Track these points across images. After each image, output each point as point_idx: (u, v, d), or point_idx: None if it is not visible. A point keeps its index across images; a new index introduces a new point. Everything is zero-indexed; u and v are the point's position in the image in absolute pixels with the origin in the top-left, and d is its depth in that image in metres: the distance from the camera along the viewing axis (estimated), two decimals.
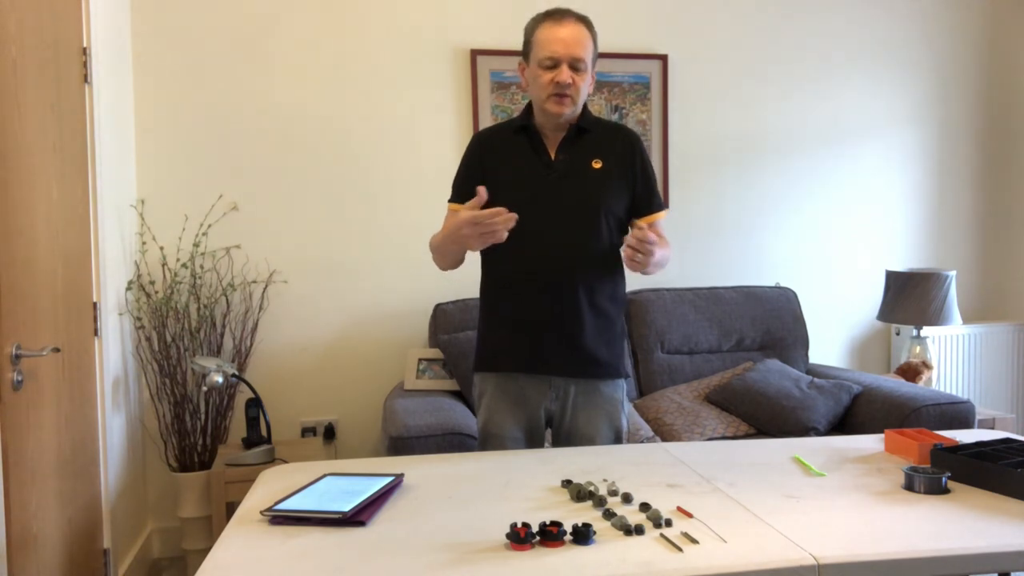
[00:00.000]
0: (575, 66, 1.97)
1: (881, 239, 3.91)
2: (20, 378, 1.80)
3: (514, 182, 2.04)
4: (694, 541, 1.36)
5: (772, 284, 3.70)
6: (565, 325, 2.02)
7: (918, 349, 3.53)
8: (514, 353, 2.05)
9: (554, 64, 1.97)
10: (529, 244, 1.99)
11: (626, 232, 2.13)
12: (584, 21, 2.00)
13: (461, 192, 2.11)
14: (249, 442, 2.85)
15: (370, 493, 1.57)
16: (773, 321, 3.45)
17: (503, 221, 1.78)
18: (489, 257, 2.08)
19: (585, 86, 2.01)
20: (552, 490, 1.65)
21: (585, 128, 2.06)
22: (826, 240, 3.84)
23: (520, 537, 1.34)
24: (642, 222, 2.09)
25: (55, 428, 2.09)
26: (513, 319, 2.04)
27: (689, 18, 3.63)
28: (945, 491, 1.62)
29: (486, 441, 2.11)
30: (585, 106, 2.08)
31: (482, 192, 1.82)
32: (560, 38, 1.96)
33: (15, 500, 1.80)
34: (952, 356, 3.86)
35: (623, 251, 1.88)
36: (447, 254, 2.05)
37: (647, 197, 2.10)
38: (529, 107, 2.09)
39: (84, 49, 2.47)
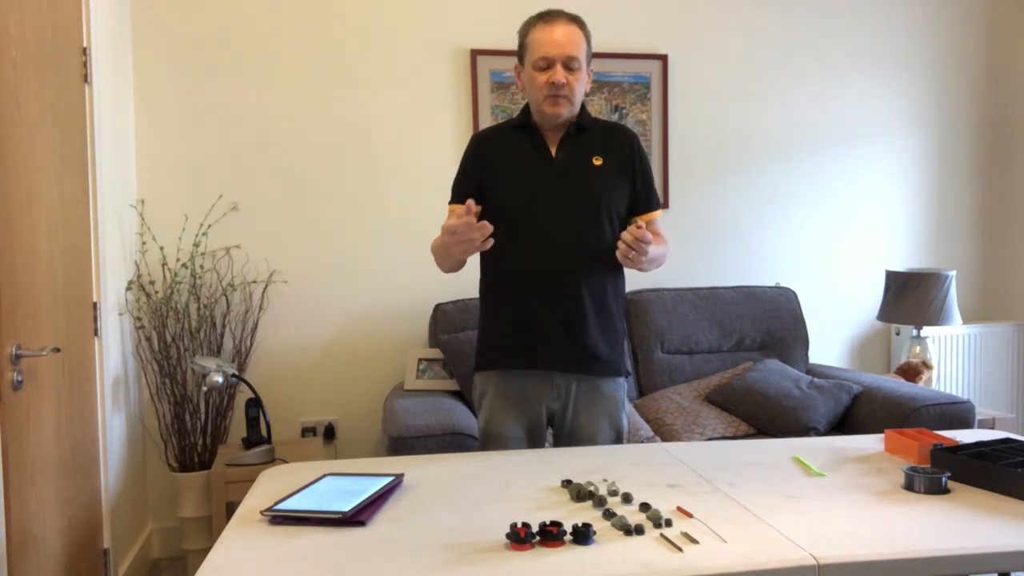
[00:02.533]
0: (569, 65, 1.98)
1: (881, 239, 3.91)
2: (20, 378, 1.80)
3: (516, 179, 2.04)
4: (694, 541, 1.36)
5: (772, 284, 3.70)
6: (568, 322, 2.02)
7: (918, 349, 3.53)
8: (516, 351, 2.05)
9: (548, 65, 1.98)
10: (532, 241, 1.99)
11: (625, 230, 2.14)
12: (576, 21, 2.02)
13: (461, 193, 2.11)
14: (249, 442, 2.85)
15: (370, 493, 1.57)
16: (773, 321, 3.45)
17: (478, 233, 1.79)
18: (490, 255, 2.07)
19: (580, 85, 2.02)
20: (552, 490, 1.65)
21: (584, 126, 2.07)
22: (826, 240, 3.84)
23: (520, 537, 1.34)
24: (640, 220, 2.11)
25: (55, 428, 2.09)
26: (515, 317, 2.04)
27: (689, 18, 3.63)
28: (945, 491, 1.62)
29: (487, 441, 2.10)
30: (583, 105, 2.09)
31: (470, 204, 1.81)
32: (553, 39, 1.97)
33: (15, 500, 1.80)
34: (952, 356, 3.86)
35: (618, 247, 1.88)
36: (445, 259, 2.05)
37: (645, 195, 2.12)
38: (527, 107, 2.10)
39: (84, 49, 2.47)
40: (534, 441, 2.11)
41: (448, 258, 2.01)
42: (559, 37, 1.97)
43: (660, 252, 2.05)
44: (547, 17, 2.00)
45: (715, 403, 3.13)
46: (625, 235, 1.84)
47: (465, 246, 1.83)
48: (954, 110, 3.96)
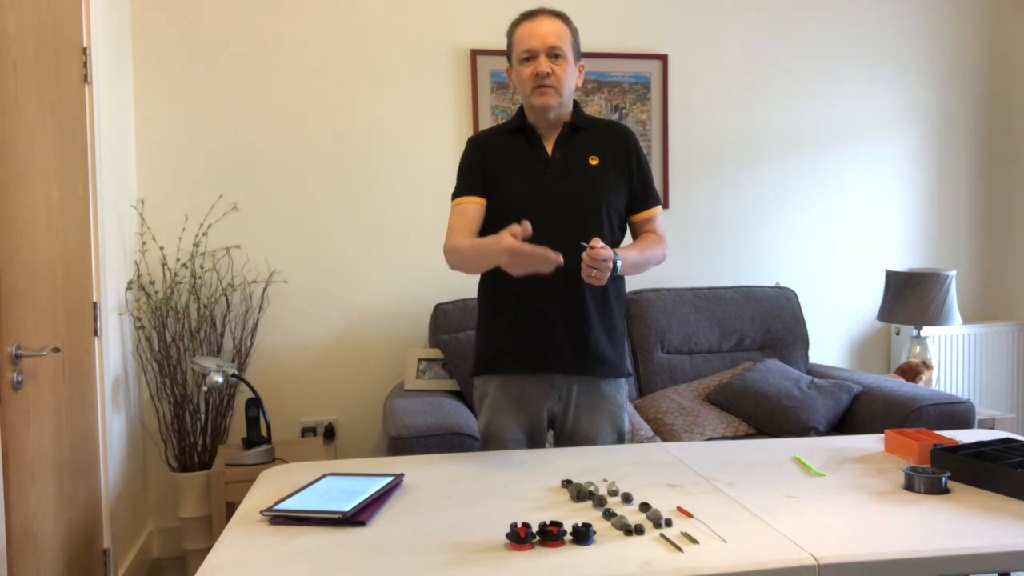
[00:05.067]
0: (553, 54, 1.98)
1: (881, 239, 3.91)
2: (20, 378, 1.80)
3: (514, 181, 2.04)
4: (694, 541, 1.36)
5: (772, 284, 3.70)
6: (572, 323, 2.02)
7: (918, 349, 3.53)
8: (519, 354, 2.04)
9: (532, 56, 1.99)
10: (533, 242, 1.98)
11: (626, 228, 2.14)
12: (559, 15, 2.04)
13: (471, 184, 2.06)
14: (249, 442, 2.85)
15: (370, 493, 1.57)
16: (773, 321, 3.45)
17: (546, 262, 1.71)
18: None
19: (568, 77, 2.02)
20: (552, 490, 1.65)
21: (579, 126, 2.07)
22: (826, 240, 3.84)
23: (520, 537, 1.34)
24: (639, 217, 2.11)
25: (55, 428, 2.09)
26: (517, 319, 2.03)
27: (689, 18, 3.63)
28: (945, 491, 1.62)
29: (488, 443, 2.10)
30: (577, 105, 2.10)
31: (527, 226, 1.75)
32: (535, 32, 1.99)
33: (15, 500, 1.80)
34: (952, 356, 3.86)
35: (582, 269, 1.84)
36: (477, 266, 1.98)
37: (643, 192, 2.11)
38: (522, 110, 2.10)
39: (84, 49, 2.47)
40: (534, 443, 2.10)
41: (483, 267, 1.96)
42: (541, 30, 1.99)
43: (650, 255, 2.05)
44: (529, 14, 2.03)
45: (715, 403, 3.13)
46: (584, 256, 1.81)
47: (526, 268, 1.75)
48: (954, 110, 3.96)
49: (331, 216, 3.33)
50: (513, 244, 1.72)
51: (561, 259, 1.72)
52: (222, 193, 3.24)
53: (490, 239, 1.81)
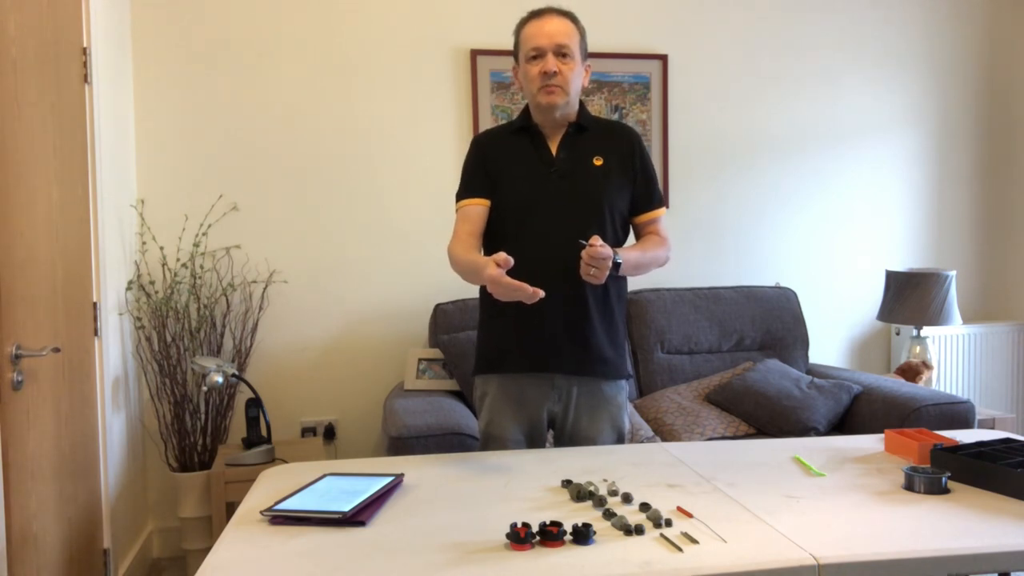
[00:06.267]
0: (560, 53, 1.99)
1: (881, 239, 3.91)
2: (20, 378, 1.80)
3: (517, 181, 2.04)
4: (694, 541, 1.36)
5: (772, 284, 3.70)
6: (574, 324, 2.01)
7: (918, 349, 3.53)
8: (520, 353, 2.04)
9: (539, 55, 1.99)
10: (535, 243, 1.99)
11: (629, 229, 2.14)
12: (567, 15, 2.04)
13: (471, 187, 2.07)
14: (249, 442, 2.85)
15: (370, 493, 1.57)
16: (773, 321, 3.45)
17: (527, 296, 1.69)
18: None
19: (575, 76, 2.02)
20: (552, 490, 1.65)
21: (584, 126, 2.07)
22: (826, 240, 3.84)
23: (520, 537, 1.34)
24: (642, 219, 2.11)
25: (55, 428, 2.09)
26: (519, 319, 2.02)
27: (689, 18, 3.63)
28: (945, 491, 1.62)
29: (487, 443, 2.10)
30: (583, 105, 2.10)
31: (508, 259, 1.71)
32: (543, 31, 1.99)
33: (15, 500, 1.80)
34: (952, 356, 3.86)
35: (581, 267, 1.84)
36: (470, 280, 1.98)
37: (647, 194, 2.11)
38: (527, 110, 2.10)
39: (84, 49, 2.47)
40: (534, 443, 2.10)
41: (477, 283, 1.95)
42: (549, 29, 1.99)
43: (652, 257, 2.05)
44: (538, 13, 2.03)
45: (715, 403, 3.13)
46: (583, 254, 1.82)
47: (510, 297, 1.73)
48: (954, 110, 3.96)
49: (331, 216, 3.33)
50: (494, 275, 1.71)
51: (542, 293, 1.70)
52: (222, 193, 3.24)
53: (479, 262, 1.81)
